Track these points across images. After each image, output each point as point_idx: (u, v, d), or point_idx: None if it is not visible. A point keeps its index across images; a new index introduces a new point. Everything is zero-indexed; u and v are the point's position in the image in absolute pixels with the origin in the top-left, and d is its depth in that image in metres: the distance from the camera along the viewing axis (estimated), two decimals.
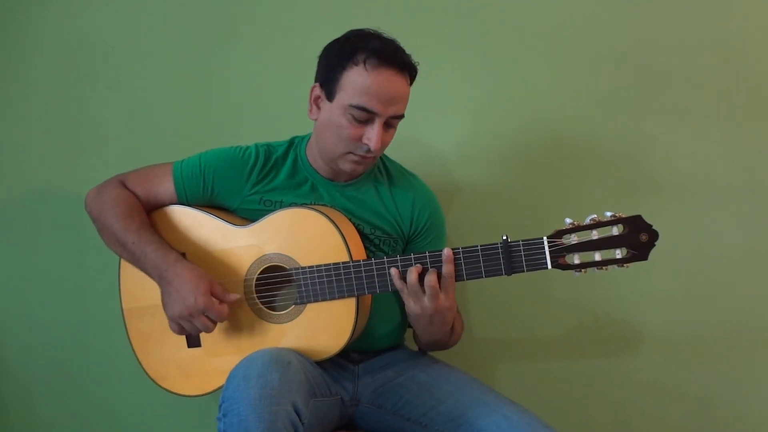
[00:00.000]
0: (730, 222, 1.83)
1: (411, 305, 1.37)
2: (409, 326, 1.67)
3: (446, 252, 1.34)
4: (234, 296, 1.41)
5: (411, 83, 1.45)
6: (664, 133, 1.84)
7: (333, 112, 1.41)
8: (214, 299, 1.37)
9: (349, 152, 1.43)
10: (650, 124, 1.84)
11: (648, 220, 1.30)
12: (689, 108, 1.83)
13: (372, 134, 1.39)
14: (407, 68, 1.41)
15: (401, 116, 1.44)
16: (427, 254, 1.36)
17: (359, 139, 1.41)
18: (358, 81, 1.37)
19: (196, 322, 1.38)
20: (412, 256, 1.37)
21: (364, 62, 1.37)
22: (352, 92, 1.38)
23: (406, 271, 1.36)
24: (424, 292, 1.35)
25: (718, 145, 1.83)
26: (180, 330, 1.41)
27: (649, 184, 1.84)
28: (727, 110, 1.82)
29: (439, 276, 1.35)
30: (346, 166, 1.45)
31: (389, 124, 1.43)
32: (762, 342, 1.85)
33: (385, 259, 1.38)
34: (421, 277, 1.35)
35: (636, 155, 1.85)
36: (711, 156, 1.83)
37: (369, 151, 1.41)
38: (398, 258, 1.38)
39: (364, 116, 1.39)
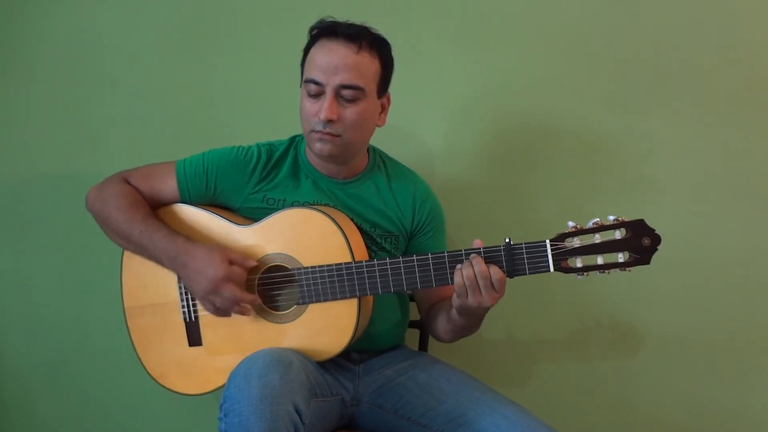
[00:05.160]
0: (731, 222, 1.83)
1: (467, 300, 1.34)
2: (411, 327, 1.68)
3: (477, 242, 1.35)
4: (252, 261, 1.42)
5: (377, 56, 1.45)
6: (665, 133, 1.84)
7: (301, 95, 1.47)
8: (234, 268, 1.38)
9: (312, 130, 1.45)
10: (650, 123, 1.84)
11: (649, 221, 1.30)
12: (689, 108, 1.83)
13: (321, 106, 1.42)
14: (352, 39, 1.43)
15: (354, 87, 1.42)
16: (463, 251, 1.35)
17: (316, 114, 1.43)
18: (309, 58, 1.46)
19: (224, 292, 1.37)
20: (449, 252, 1.36)
21: (316, 41, 1.45)
22: (306, 70, 1.46)
23: (463, 266, 1.34)
24: (481, 287, 1.33)
25: (719, 145, 1.83)
26: (214, 309, 1.41)
27: (649, 184, 1.84)
28: (728, 110, 1.82)
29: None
30: (315, 146, 1.46)
31: (344, 98, 1.43)
32: (763, 342, 1.85)
33: (388, 260, 1.38)
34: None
35: (636, 155, 1.85)
36: (711, 156, 1.83)
37: (326, 125, 1.42)
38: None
39: (315, 89, 1.43)
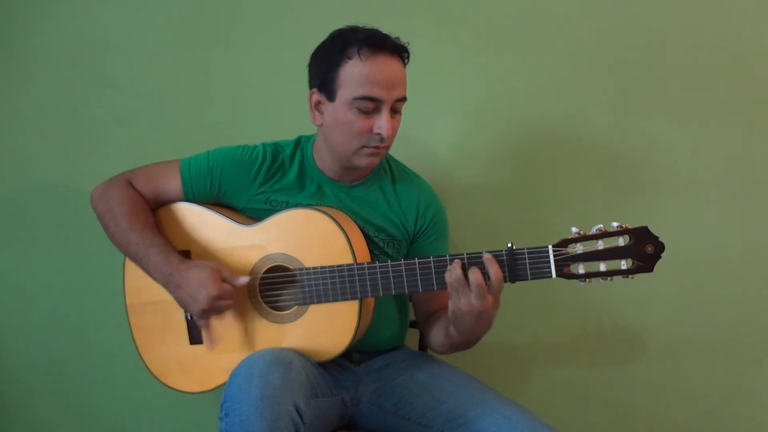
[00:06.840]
0: (731, 222, 1.83)
1: (458, 302, 1.32)
2: (411, 327, 1.68)
3: (486, 256, 1.31)
4: (243, 279, 1.41)
5: (405, 64, 1.45)
6: (665, 133, 1.84)
7: (338, 110, 1.41)
8: (226, 286, 1.38)
9: (363, 146, 1.43)
10: (651, 124, 1.84)
11: (650, 222, 1.30)
12: (690, 108, 1.83)
13: (381, 122, 1.39)
14: (399, 50, 1.42)
15: (404, 99, 1.44)
16: (465, 255, 1.33)
17: (370, 130, 1.40)
18: (356, 73, 1.38)
19: (212, 311, 1.40)
20: (448, 256, 1.35)
21: (358, 53, 1.38)
22: (353, 85, 1.38)
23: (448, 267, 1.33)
24: (470, 289, 1.31)
25: (719, 145, 1.83)
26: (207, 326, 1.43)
27: (650, 184, 1.85)
28: (727, 110, 1.82)
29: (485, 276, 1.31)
30: (362, 161, 1.45)
31: (394, 110, 1.43)
32: (763, 343, 1.85)
33: (389, 263, 1.38)
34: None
35: (637, 155, 1.85)
36: (712, 156, 1.83)
37: (382, 140, 1.41)
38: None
39: (371, 106, 1.39)
